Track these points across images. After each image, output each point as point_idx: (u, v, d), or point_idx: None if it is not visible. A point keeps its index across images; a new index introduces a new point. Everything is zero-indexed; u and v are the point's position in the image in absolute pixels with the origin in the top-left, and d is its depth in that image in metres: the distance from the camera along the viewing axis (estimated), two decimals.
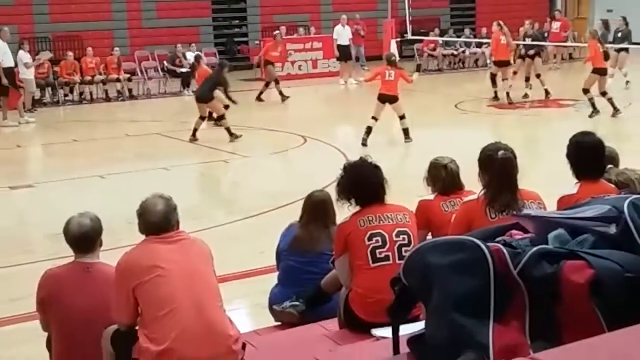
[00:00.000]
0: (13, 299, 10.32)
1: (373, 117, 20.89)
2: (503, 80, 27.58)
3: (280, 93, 29.95)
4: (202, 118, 22.35)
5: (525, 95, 28.23)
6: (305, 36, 37.00)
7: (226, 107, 23.83)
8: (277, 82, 30.22)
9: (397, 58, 24.71)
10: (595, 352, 4.86)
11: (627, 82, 29.66)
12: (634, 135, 21.31)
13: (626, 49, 29.94)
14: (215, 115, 22.68)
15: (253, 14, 39.21)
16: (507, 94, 27.41)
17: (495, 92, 27.72)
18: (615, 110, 23.72)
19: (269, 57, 30.83)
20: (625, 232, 5.32)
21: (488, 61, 38.10)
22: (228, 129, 22.15)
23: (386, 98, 20.92)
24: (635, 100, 27.24)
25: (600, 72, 24.07)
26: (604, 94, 24.16)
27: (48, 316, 7.32)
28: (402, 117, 21.12)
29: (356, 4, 38.90)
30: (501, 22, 28.90)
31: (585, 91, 24.03)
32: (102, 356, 6.74)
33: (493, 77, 27.95)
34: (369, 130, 20.75)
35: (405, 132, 21.06)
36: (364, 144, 20.45)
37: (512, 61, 28.84)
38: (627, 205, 5.39)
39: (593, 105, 23.71)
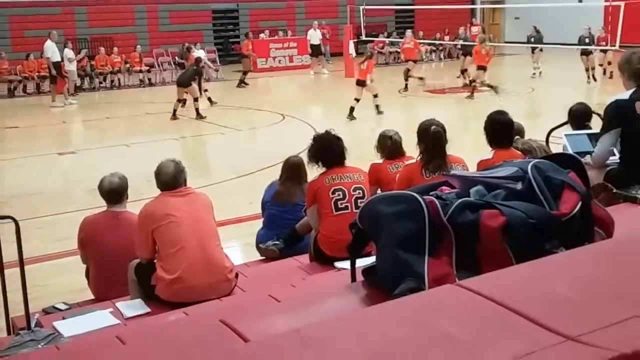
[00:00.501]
0: (60, 239, 10.29)
1: (355, 99, 21.24)
2: (415, 75, 28.21)
3: (242, 81, 30.92)
4: (179, 100, 22.50)
5: (465, 85, 28.40)
6: (284, 38, 37.08)
7: (205, 90, 24.26)
8: (246, 73, 30.88)
9: (374, 54, 25.21)
10: (506, 279, 4.84)
11: (534, 74, 29.93)
12: (536, 114, 21.35)
13: (540, 49, 30.39)
14: (193, 97, 22.77)
15: (244, 21, 39.31)
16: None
17: (406, 85, 27.92)
18: (471, 95, 24.94)
19: (246, 51, 32.17)
20: (529, 188, 5.32)
21: (424, 57, 38.29)
22: (197, 109, 22.39)
23: (360, 82, 21.35)
24: (538, 86, 27.38)
25: (483, 68, 25.06)
26: (472, 81, 25.35)
27: (86, 252, 7.33)
28: (375, 96, 21.55)
29: (323, 13, 38.98)
30: (412, 31, 29.99)
31: (473, 81, 25.13)
32: (128, 283, 6.73)
33: (407, 72, 28.16)
34: (352, 111, 21.13)
35: (377, 107, 21.39)
36: (354, 119, 21.08)
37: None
38: (530, 167, 5.38)
39: (490, 87, 24.44)
